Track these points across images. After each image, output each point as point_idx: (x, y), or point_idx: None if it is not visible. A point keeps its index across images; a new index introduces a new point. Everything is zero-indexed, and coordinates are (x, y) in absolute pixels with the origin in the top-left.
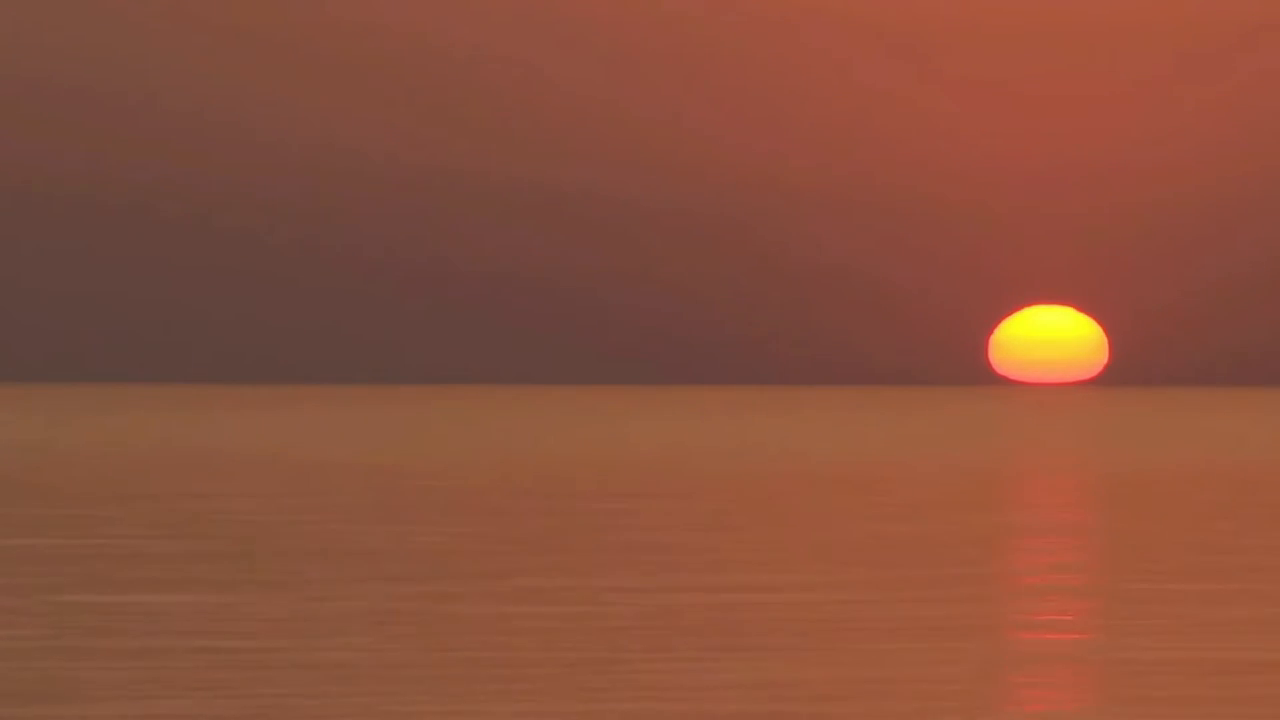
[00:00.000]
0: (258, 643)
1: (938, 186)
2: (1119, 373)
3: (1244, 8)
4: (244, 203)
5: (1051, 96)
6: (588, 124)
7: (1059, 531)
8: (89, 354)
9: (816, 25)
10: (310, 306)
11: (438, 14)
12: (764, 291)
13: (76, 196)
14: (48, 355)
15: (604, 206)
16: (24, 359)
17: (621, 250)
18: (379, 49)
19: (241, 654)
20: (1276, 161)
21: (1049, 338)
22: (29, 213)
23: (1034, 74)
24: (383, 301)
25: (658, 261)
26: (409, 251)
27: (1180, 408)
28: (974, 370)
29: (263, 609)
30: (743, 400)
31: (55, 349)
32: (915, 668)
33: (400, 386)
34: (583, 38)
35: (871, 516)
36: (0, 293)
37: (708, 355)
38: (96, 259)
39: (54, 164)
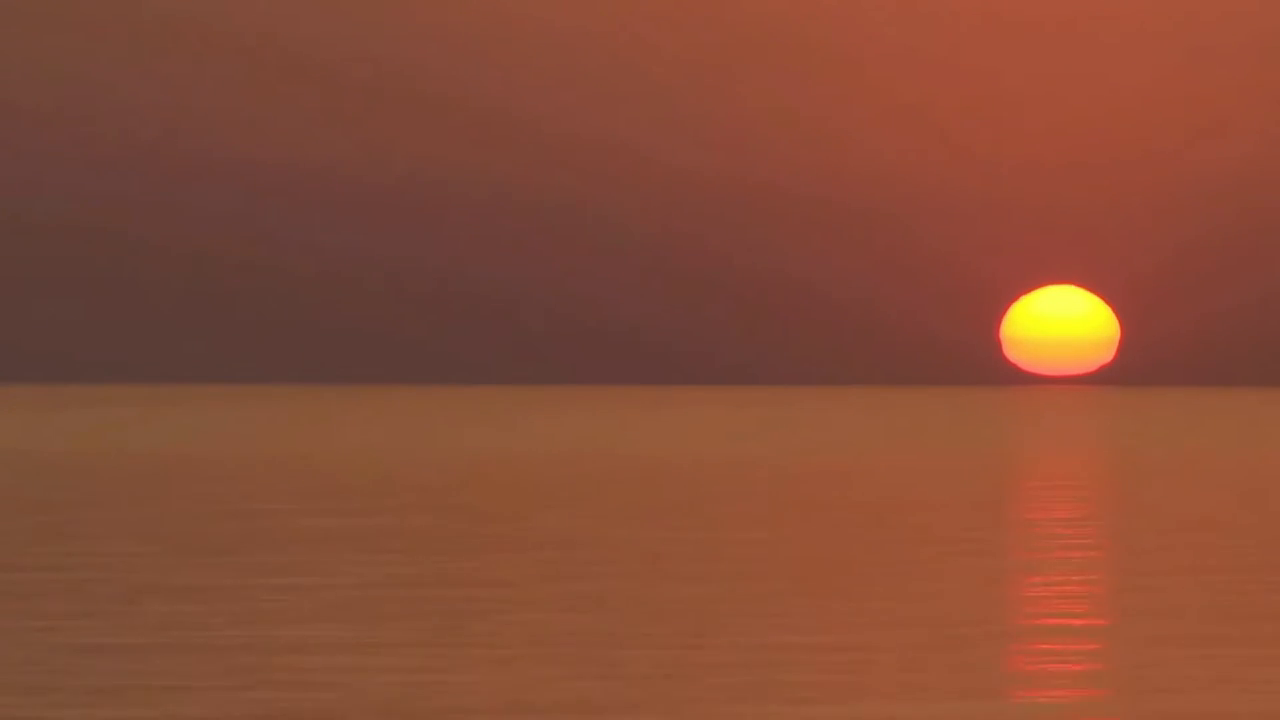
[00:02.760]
0: None
1: (939, 177)
2: (1131, 355)
3: None
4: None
5: (1053, 88)
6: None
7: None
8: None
9: (820, 23)
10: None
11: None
12: (762, 290)
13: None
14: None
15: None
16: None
17: (624, 251)
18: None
19: None
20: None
21: (1060, 325)
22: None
23: (1034, 65)
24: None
25: (664, 260)
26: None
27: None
28: (985, 357)
29: None
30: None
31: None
32: None
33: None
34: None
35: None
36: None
37: (714, 356)
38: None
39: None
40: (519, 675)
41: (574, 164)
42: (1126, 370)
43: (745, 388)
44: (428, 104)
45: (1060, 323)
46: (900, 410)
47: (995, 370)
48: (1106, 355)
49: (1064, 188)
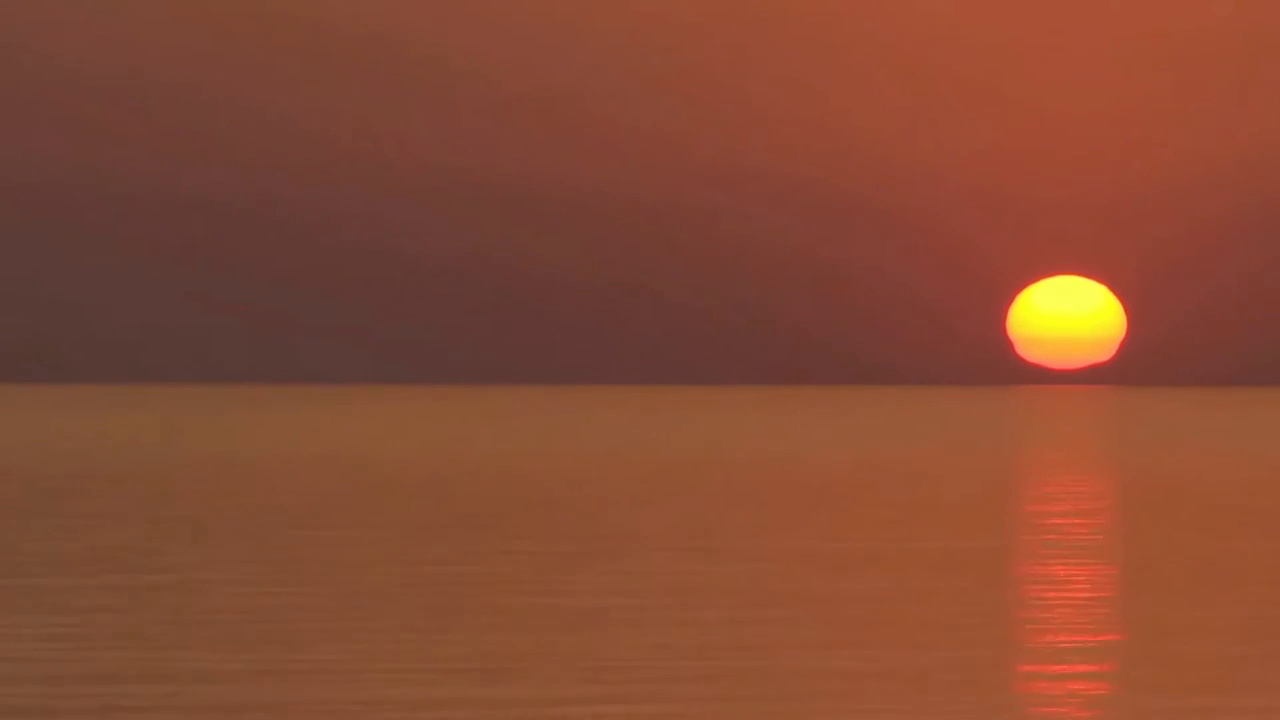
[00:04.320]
0: None
1: (943, 171)
2: (1138, 344)
3: None
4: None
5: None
6: (599, 128)
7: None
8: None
9: (827, 22)
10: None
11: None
12: (765, 286)
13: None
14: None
15: (612, 207)
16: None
17: (624, 252)
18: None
19: None
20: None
21: (1067, 317)
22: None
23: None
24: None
25: (667, 259)
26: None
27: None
28: (993, 348)
29: None
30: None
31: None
32: None
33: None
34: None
35: None
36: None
37: (715, 356)
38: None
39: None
40: None
41: (587, 151)
42: (1134, 366)
43: (744, 388)
44: (462, 92)
45: (1067, 316)
46: (957, 408)
47: (1002, 363)
48: (1110, 350)
49: (1065, 180)
